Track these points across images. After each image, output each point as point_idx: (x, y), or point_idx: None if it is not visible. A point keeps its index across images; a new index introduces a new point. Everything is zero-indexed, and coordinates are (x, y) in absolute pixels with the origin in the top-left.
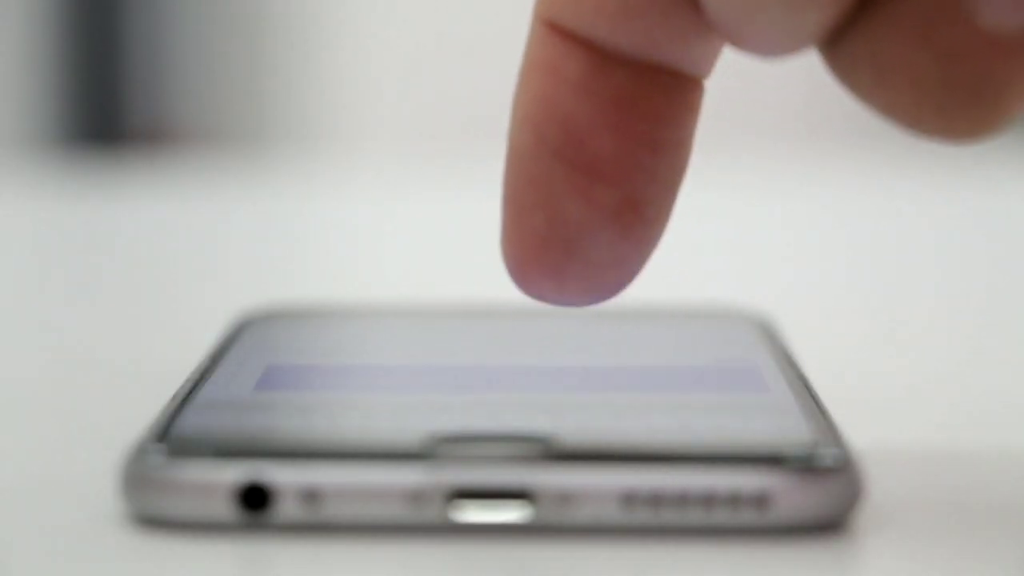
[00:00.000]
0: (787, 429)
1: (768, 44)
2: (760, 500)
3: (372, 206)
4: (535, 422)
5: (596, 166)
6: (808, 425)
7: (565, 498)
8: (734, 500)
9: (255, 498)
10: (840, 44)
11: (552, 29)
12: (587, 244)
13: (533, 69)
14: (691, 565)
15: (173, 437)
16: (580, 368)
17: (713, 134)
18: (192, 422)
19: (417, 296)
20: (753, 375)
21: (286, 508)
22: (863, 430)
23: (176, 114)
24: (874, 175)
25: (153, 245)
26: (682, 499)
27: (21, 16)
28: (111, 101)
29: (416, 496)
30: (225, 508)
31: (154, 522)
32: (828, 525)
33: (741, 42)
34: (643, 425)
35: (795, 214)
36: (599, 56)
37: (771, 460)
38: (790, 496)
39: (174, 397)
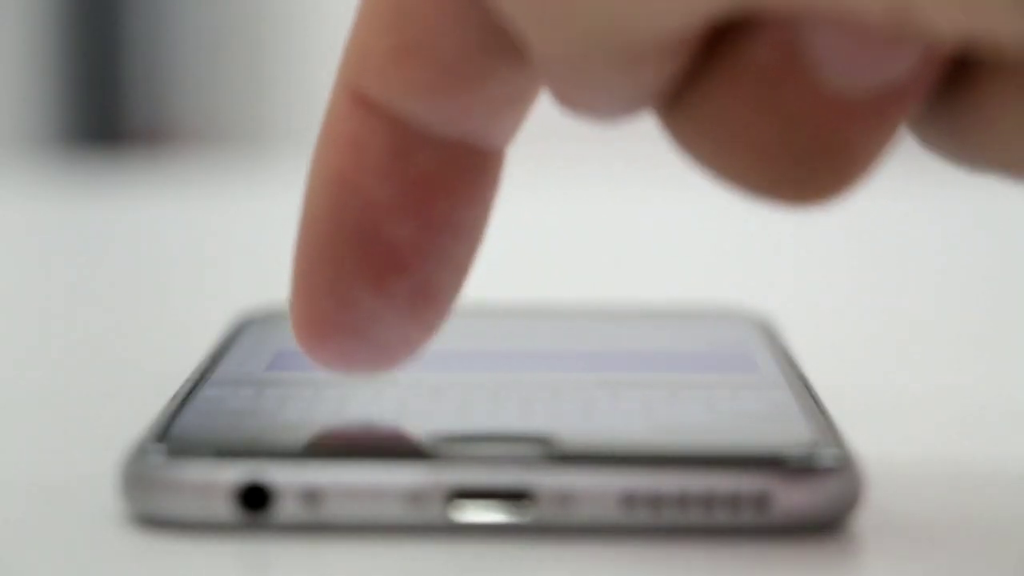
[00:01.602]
0: (787, 429)
1: (598, 106)
2: (760, 500)
3: None
4: (535, 422)
5: (392, 256)
6: (808, 425)
7: (565, 498)
8: (734, 500)
9: (255, 498)
10: (676, 108)
11: (358, 101)
12: (375, 329)
13: (333, 142)
14: (691, 565)
15: (173, 437)
16: (580, 369)
17: None
18: (192, 422)
19: None
20: (753, 375)
21: (286, 508)
22: (863, 430)
23: (176, 114)
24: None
25: (153, 245)
26: (682, 499)
27: (21, 16)
28: (111, 101)
29: (416, 496)
30: (225, 508)
31: (154, 522)
32: (828, 525)
33: (572, 105)
34: (643, 425)
35: (795, 214)
36: (405, 133)
37: (771, 460)
38: (790, 496)
39: (174, 397)
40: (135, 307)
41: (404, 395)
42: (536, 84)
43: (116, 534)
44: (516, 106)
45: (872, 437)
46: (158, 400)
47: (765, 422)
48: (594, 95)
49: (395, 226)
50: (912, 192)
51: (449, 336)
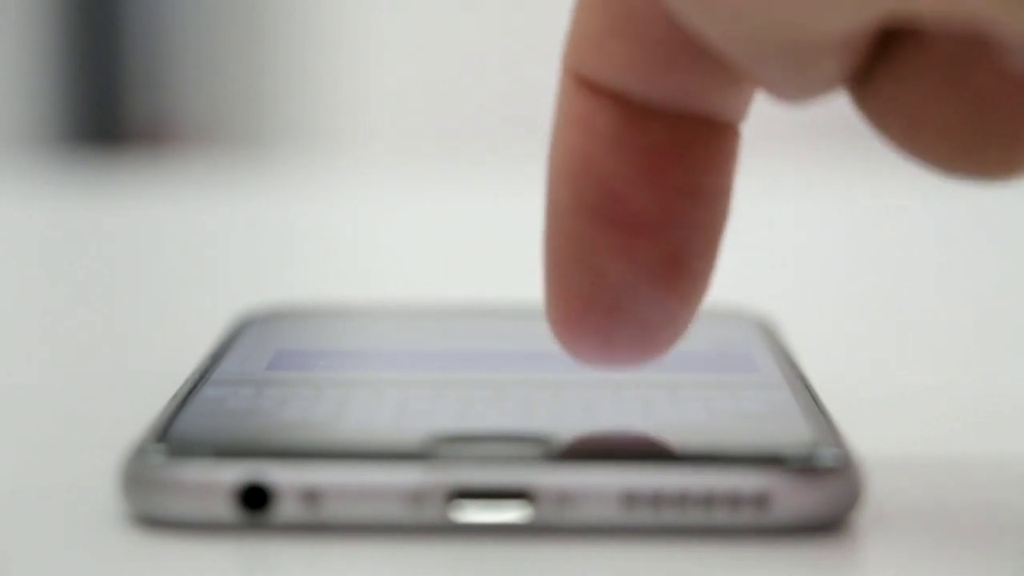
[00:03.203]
0: (787, 429)
1: (788, 92)
2: (760, 500)
3: (372, 206)
4: (535, 422)
5: (636, 223)
6: (808, 425)
7: (565, 498)
8: (734, 500)
9: (255, 498)
10: (867, 88)
11: (581, 82)
12: (632, 303)
13: (565, 124)
14: (691, 565)
15: (173, 437)
16: (580, 369)
17: None
18: (192, 422)
19: (417, 296)
20: (753, 375)
21: (286, 508)
22: (863, 430)
23: (176, 114)
24: (875, 175)
25: (153, 245)
26: (682, 499)
27: (21, 16)
28: (111, 101)
29: (416, 496)
30: (225, 508)
31: (154, 522)
32: (828, 525)
33: (766, 89)
34: (643, 425)
35: (795, 214)
36: (631, 109)
37: (771, 460)
38: (790, 496)
39: (174, 397)
40: (135, 307)
41: (404, 395)
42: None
43: (116, 534)
44: (734, 86)
45: (872, 437)
46: (158, 400)
47: (765, 422)
48: (781, 83)
49: (635, 195)
50: (912, 192)
51: (449, 336)
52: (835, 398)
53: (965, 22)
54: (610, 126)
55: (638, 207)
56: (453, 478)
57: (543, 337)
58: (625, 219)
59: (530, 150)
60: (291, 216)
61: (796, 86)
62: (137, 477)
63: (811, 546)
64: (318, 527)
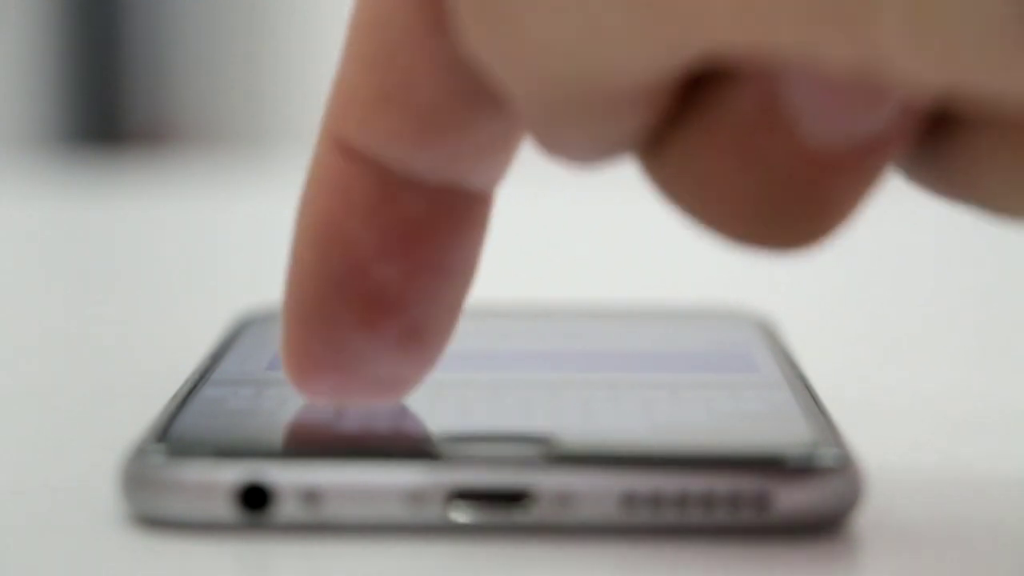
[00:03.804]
0: (787, 429)
1: (577, 152)
2: (760, 500)
3: None
4: (535, 422)
5: (380, 296)
6: (808, 425)
7: (565, 498)
8: (734, 500)
9: (255, 498)
10: (656, 154)
11: (340, 147)
12: (366, 367)
13: (319, 188)
14: (691, 565)
15: (173, 437)
16: (580, 369)
17: None
18: (192, 422)
19: None
20: (753, 375)
21: (286, 508)
22: (863, 430)
23: (176, 114)
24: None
25: (153, 245)
26: (682, 499)
27: (21, 16)
28: (111, 101)
29: (416, 496)
30: (225, 508)
31: (154, 522)
32: (828, 525)
33: (551, 151)
34: (643, 425)
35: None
36: (388, 178)
37: (771, 460)
38: (790, 496)
39: (174, 397)
40: (135, 307)
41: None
42: (518, 130)
43: (116, 534)
44: (500, 151)
45: (872, 437)
46: (158, 400)
47: (765, 422)
48: (572, 141)
49: (382, 269)
50: (912, 193)
51: None
52: (835, 398)
53: (774, 55)
54: (365, 196)
55: (384, 282)
56: (453, 478)
57: (543, 337)
58: (369, 292)
59: (529, 150)
60: (291, 216)
61: (583, 147)
62: (137, 477)
63: (811, 546)
64: (318, 527)
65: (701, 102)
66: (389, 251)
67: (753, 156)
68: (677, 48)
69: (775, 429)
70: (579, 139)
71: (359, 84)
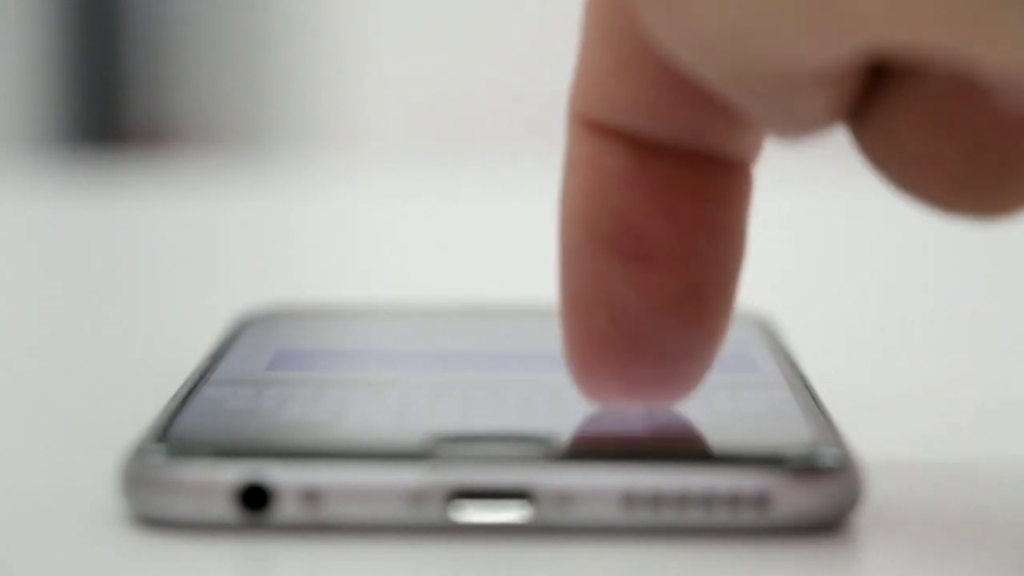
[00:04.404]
0: (787, 429)
1: (780, 128)
2: (760, 500)
3: (372, 206)
4: (535, 422)
5: (653, 255)
6: (808, 425)
7: (565, 498)
8: (734, 500)
9: (255, 498)
10: (862, 125)
11: (589, 126)
12: (652, 337)
13: (576, 167)
14: (691, 565)
15: (173, 437)
16: None
17: None
18: (192, 422)
19: (417, 296)
20: (753, 375)
21: (286, 508)
22: (863, 430)
23: (176, 114)
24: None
25: (153, 245)
26: (682, 499)
27: (21, 16)
28: (111, 101)
29: (416, 496)
30: (225, 508)
31: (154, 522)
32: (828, 525)
33: (761, 124)
34: (643, 425)
35: (795, 214)
36: (642, 148)
37: (771, 460)
38: (790, 496)
39: (174, 397)
40: (135, 307)
41: (404, 395)
42: None
43: (116, 534)
44: (740, 122)
45: (872, 437)
46: (158, 400)
47: (765, 422)
48: (772, 118)
49: (649, 228)
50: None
51: (449, 336)
52: (835, 398)
53: (939, 57)
54: (621, 165)
55: (654, 240)
56: (453, 478)
57: (543, 337)
58: (641, 252)
59: (531, 150)
60: (291, 216)
61: (786, 122)
62: (137, 477)
63: (811, 546)
64: (318, 527)
65: (899, 76)
66: (655, 211)
67: (952, 125)
68: (840, 44)
69: (775, 429)
70: (777, 114)
71: (598, 58)
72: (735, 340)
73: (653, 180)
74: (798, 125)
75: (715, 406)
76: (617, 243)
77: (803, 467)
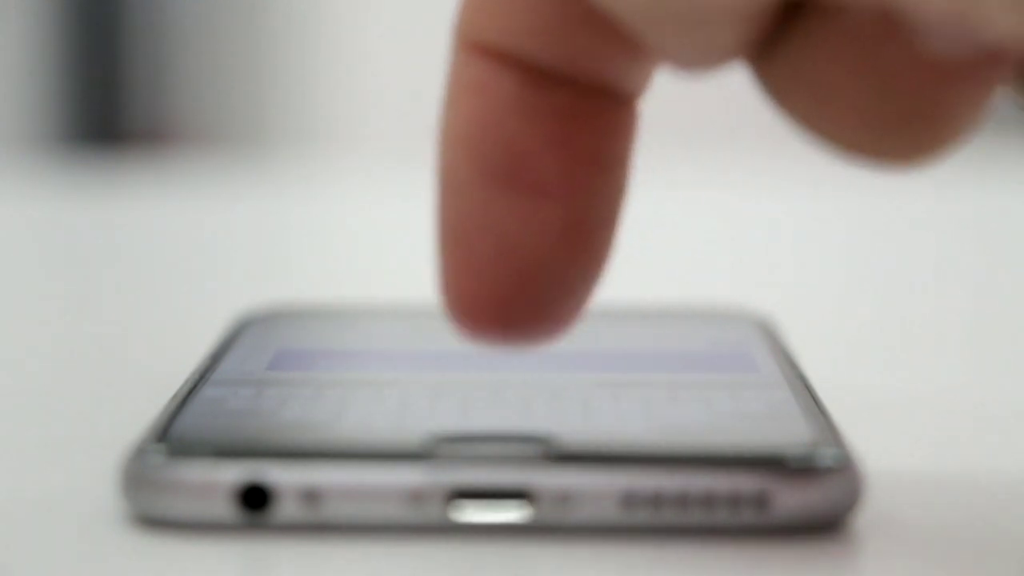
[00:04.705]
0: (787, 429)
1: (684, 61)
2: (760, 500)
3: (372, 206)
4: (535, 422)
5: (540, 187)
6: (808, 425)
7: (565, 498)
8: (734, 500)
9: (255, 498)
10: (770, 62)
11: (478, 51)
12: (535, 270)
13: (461, 92)
14: (691, 565)
15: (173, 437)
16: (580, 369)
17: (714, 134)
18: (192, 422)
19: (417, 296)
20: (753, 375)
21: (286, 508)
22: (863, 430)
23: (176, 114)
24: (876, 175)
25: (153, 245)
26: (682, 499)
27: (21, 16)
28: (111, 101)
29: (416, 496)
30: (225, 508)
31: (154, 522)
32: (828, 525)
33: (663, 57)
34: (643, 425)
35: (795, 214)
36: (532, 74)
37: (771, 460)
38: (790, 496)
39: (174, 397)
40: (135, 307)
41: (404, 395)
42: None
43: (116, 534)
44: (635, 52)
45: (872, 437)
46: (158, 400)
47: (765, 422)
48: (677, 51)
49: (538, 158)
50: (912, 192)
51: (449, 336)
52: (835, 398)
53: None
54: (512, 92)
55: (541, 170)
56: (453, 478)
57: None
58: (528, 183)
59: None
60: (291, 216)
61: (692, 55)
62: (137, 477)
63: (811, 546)
64: (318, 527)
65: (815, 11)
66: (543, 140)
67: (869, 64)
68: None
69: (775, 429)
70: (684, 48)
71: None
72: (735, 340)
73: (543, 109)
74: (701, 59)
75: (715, 406)
76: (504, 172)
77: (803, 467)
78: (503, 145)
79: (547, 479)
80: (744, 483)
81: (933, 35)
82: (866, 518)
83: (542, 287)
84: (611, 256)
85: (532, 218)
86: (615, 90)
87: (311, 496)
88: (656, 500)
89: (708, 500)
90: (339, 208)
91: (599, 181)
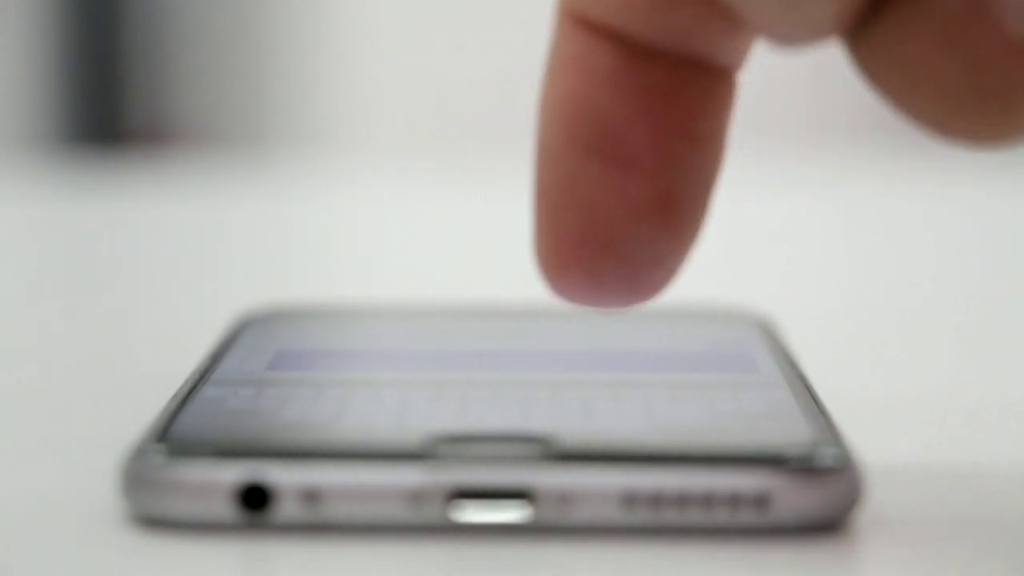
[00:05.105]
0: (787, 429)
1: (781, 34)
2: (760, 500)
3: (372, 206)
4: (535, 422)
5: (631, 160)
6: (808, 425)
7: (565, 498)
8: (734, 500)
9: (255, 498)
10: (863, 40)
11: (578, 23)
12: (624, 241)
13: (560, 65)
14: (691, 565)
15: (173, 437)
16: (580, 369)
17: None
18: (192, 422)
19: (417, 296)
20: (753, 375)
21: (286, 508)
22: (863, 430)
23: (176, 114)
24: (875, 174)
25: (153, 245)
26: (682, 499)
27: (21, 16)
28: (111, 101)
29: (416, 496)
30: (225, 508)
31: (154, 522)
32: (828, 525)
33: (761, 30)
34: (643, 425)
35: (795, 214)
36: (629, 49)
37: (771, 460)
38: (790, 496)
39: (174, 397)
40: (135, 307)
41: (404, 395)
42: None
43: (116, 534)
44: (733, 31)
45: (872, 437)
46: (158, 400)
47: (765, 422)
48: (774, 23)
49: (630, 132)
50: (912, 191)
51: (449, 336)
52: (835, 398)
53: None
54: (608, 64)
55: (634, 145)
56: (453, 478)
57: (543, 337)
58: (620, 156)
59: (532, 149)
60: (291, 216)
61: (789, 28)
62: (137, 477)
63: (811, 546)
64: (318, 527)
65: None
66: (637, 116)
67: (957, 44)
68: None
69: (775, 429)
70: (783, 23)
71: None
72: (735, 340)
73: (638, 84)
74: (799, 33)
75: (715, 406)
76: (596, 145)
77: (803, 467)
78: (596, 118)
79: (547, 479)
80: (744, 483)
81: (1016, 17)
82: (866, 518)
83: (630, 256)
84: (702, 228)
85: (621, 190)
86: (712, 64)
87: (311, 496)
88: (656, 500)
89: (708, 500)
90: (339, 208)
91: (690, 155)
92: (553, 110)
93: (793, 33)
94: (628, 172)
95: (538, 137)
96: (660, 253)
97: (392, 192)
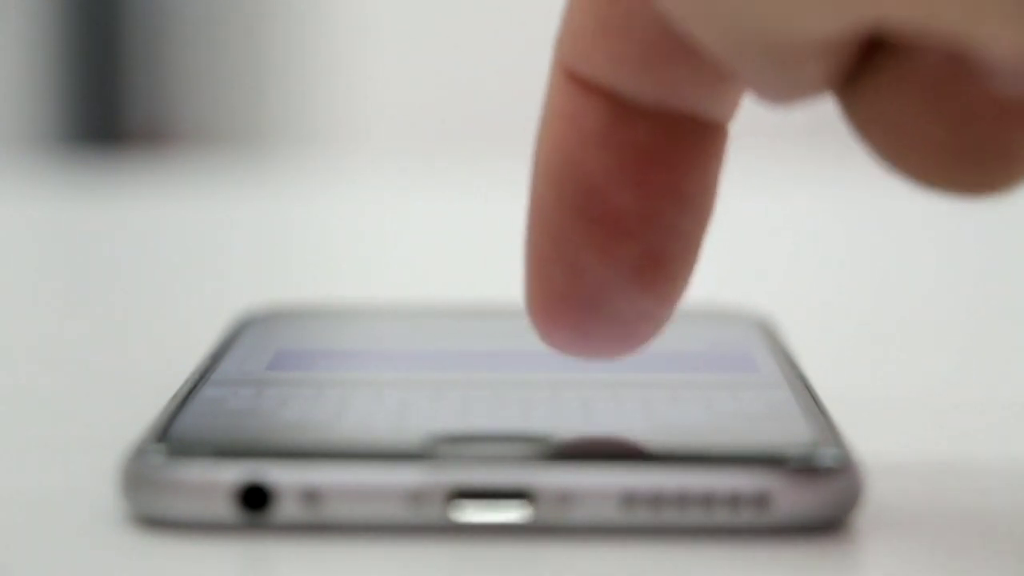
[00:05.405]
0: (787, 429)
1: (772, 93)
2: (760, 500)
3: (372, 206)
4: (535, 422)
5: (617, 221)
6: (808, 425)
7: (565, 498)
8: (734, 500)
9: (255, 498)
10: (853, 95)
11: (571, 78)
12: (609, 300)
13: (552, 119)
14: (691, 565)
15: (173, 437)
16: (580, 369)
17: None
18: (192, 422)
19: (417, 296)
20: (753, 375)
21: (286, 508)
22: (863, 430)
23: (176, 114)
24: (875, 174)
25: (153, 245)
26: (682, 499)
27: (21, 16)
28: (111, 101)
29: (416, 496)
30: (225, 508)
31: (154, 522)
32: (828, 525)
33: (751, 89)
34: (643, 425)
35: (795, 214)
36: (620, 106)
37: (771, 460)
38: (790, 496)
39: (174, 397)
40: (135, 307)
41: (404, 395)
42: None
43: (116, 534)
44: (724, 86)
45: (872, 437)
46: (158, 400)
47: (765, 422)
48: (766, 84)
49: (618, 194)
50: (912, 192)
51: (449, 336)
52: (835, 398)
53: (942, 38)
54: (597, 123)
55: (620, 206)
56: (453, 478)
57: None
58: (606, 217)
59: (530, 150)
60: (291, 216)
61: (780, 88)
62: (137, 477)
63: (811, 546)
64: (318, 527)
65: (891, 51)
66: (623, 177)
67: (942, 103)
68: (848, 17)
69: (775, 429)
70: (773, 81)
71: (586, 14)
72: (735, 340)
73: (627, 143)
74: (789, 91)
75: (715, 406)
76: (583, 206)
77: (803, 467)
78: (582, 178)
79: (547, 479)
80: (744, 483)
81: (1000, 76)
82: (866, 518)
83: (616, 315)
84: (688, 283)
85: (606, 251)
86: (703, 119)
87: (311, 496)
88: (656, 500)
89: (708, 500)
90: (339, 208)
91: (678, 216)
92: (543, 165)
93: (784, 92)
94: (613, 234)
95: (530, 189)
96: (644, 311)
97: (392, 192)
